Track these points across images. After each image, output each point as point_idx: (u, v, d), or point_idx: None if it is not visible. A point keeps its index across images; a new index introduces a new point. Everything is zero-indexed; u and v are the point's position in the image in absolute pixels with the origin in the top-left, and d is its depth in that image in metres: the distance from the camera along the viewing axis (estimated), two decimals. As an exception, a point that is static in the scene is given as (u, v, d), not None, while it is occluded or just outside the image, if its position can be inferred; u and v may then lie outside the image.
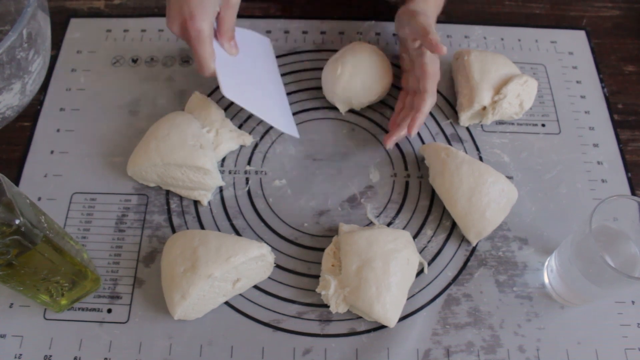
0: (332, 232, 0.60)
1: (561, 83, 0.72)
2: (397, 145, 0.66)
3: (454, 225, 0.61)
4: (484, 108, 0.66)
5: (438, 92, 0.69)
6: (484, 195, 0.57)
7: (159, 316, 0.55)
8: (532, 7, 0.79)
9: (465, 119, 0.67)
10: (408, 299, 0.56)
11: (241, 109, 0.68)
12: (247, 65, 0.64)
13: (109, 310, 0.55)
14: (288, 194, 0.63)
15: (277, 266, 0.58)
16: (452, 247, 0.60)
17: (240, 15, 0.75)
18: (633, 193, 0.64)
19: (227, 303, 0.56)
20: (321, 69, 0.70)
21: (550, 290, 0.57)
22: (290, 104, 0.69)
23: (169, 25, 0.57)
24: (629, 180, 0.65)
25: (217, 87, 0.70)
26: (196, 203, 0.62)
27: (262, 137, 0.66)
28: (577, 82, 0.72)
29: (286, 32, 0.75)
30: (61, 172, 0.63)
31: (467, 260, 0.59)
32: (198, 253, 0.52)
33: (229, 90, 0.57)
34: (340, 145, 0.66)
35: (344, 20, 0.76)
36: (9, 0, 0.62)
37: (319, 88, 0.69)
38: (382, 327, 0.55)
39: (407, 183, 0.64)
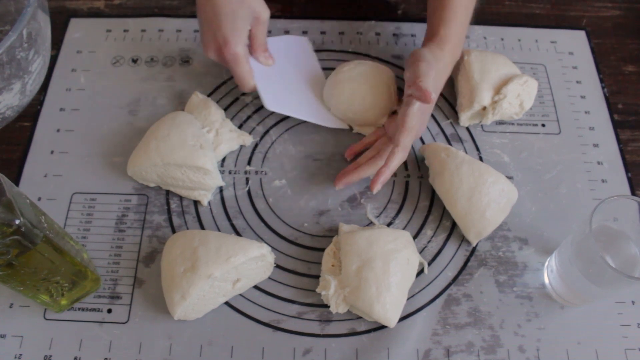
0: (332, 232, 0.60)
1: (561, 83, 0.72)
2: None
3: (454, 225, 0.61)
4: (484, 108, 0.66)
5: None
6: (484, 195, 0.57)
7: (159, 316, 0.55)
8: (532, 7, 0.79)
9: (465, 119, 0.67)
10: (408, 299, 0.56)
11: (241, 109, 0.68)
12: (285, 70, 0.66)
13: (109, 310, 0.55)
14: (288, 194, 0.63)
15: (277, 266, 0.58)
16: (452, 247, 0.60)
17: (240, 15, 0.75)
18: (633, 193, 0.64)
19: (227, 303, 0.56)
20: (322, 69, 0.70)
21: (550, 291, 0.57)
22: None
23: (205, 52, 0.61)
24: (629, 180, 0.65)
25: (217, 87, 0.70)
26: (196, 203, 0.62)
27: (262, 137, 0.66)
28: (577, 82, 0.72)
29: (286, 32, 0.75)
30: (61, 172, 0.63)
31: (467, 260, 0.59)
32: (198, 253, 0.52)
33: (271, 104, 0.61)
34: (340, 145, 0.66)
35: (344, 20, 0.76)
36: (9, 0, 0.62)
37: (319, 88, 0.69)
38: (382, 327, 0.55)
39: (407, 183, 0.64)
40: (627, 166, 0.65)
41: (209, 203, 0.62)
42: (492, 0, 0.79)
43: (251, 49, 0.63)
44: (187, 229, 0.60)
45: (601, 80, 0.72)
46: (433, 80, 0.57)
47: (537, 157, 0.66)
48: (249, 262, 0.53)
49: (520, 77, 0.64)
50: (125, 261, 0.58)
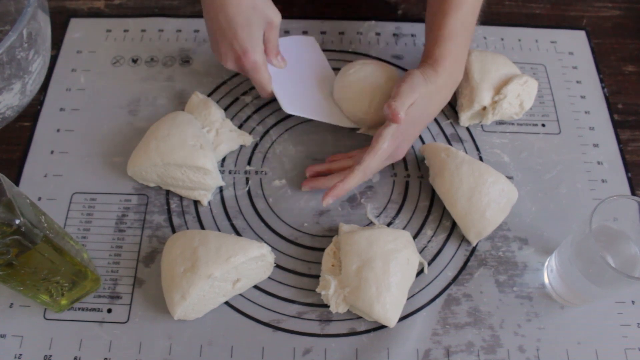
0: (332, 232, 0.60)
1: (561, 83, 0.72)
2: (397, 145, 0.66)
3: (454, 225, 0.61)
4: (484, 108, 0.66)
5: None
6: (484, 195, 0.57)
7: (159, 316, 0.55)
8: (532, 7, 0.79)
9: (465, 119, 0.67)
10: (408, 299, 0.56)
11: (241, 109, 0.68)
12: (297, 71, 0.66)
13: (109, 310, 0.55)
14: (288, 194, 0.63)
15: (277, 266, 0.58)
16: (452, 247, 0.60)
17: (240, 15, 0.75)
18: (633, 193, 0.64)
19: (227, 303, 0.56)
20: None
21: (550, 290, 0.57)
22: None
23: (223, 63, 0.60)
24: (629, 180, 0.65)
25: (217, 87, 0.70)
26: (196, 203, 0.62)
27: (262, 137, 0.66)
28: (577, 82, 0.72)
29: (286, 32, 0.75)
30: (61, 172, 0.63)
31: (467, 260, 0.59)
32: (198, 253, 0.52)
33: (288, 106, 0.62)
34: (340, 145, 0.66)
35: (344, 20, 0.76)
36: (9, 0, 0.62)
37: (319, 88, 0.69)
38: (382, 327, 0.55)
39: (407, 183, 0.64)
40: (627, 166, 0.65)
41: (209, 203, 0.62)
42: (492, 0, 0.79)
43: (265, 53, 0.62)
44: (187, 229, 0.60)
45: (601, 80, 0.72)
46: (417, 103, 0.55)
47: (537, 157, 0.66)
48: (249, 262, 0.53)
49: (520, 77, 0.64)
50: (125, 261, 0.58)
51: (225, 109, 0.68)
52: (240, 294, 0.57)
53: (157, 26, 0.75)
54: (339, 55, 0.73)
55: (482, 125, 0.68)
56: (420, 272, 0.58)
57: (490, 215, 0.57)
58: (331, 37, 0.75)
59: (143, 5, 0.78)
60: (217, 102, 0.67)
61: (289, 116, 0.66)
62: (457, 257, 0.59)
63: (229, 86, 0.70)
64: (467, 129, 0.68)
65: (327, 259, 0.56)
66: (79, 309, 0.55)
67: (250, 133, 0.66)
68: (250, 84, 0.68)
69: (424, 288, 0.57)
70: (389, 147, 0.56)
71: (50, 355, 0.53)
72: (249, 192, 0.63)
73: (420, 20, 0.76)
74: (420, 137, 0.67)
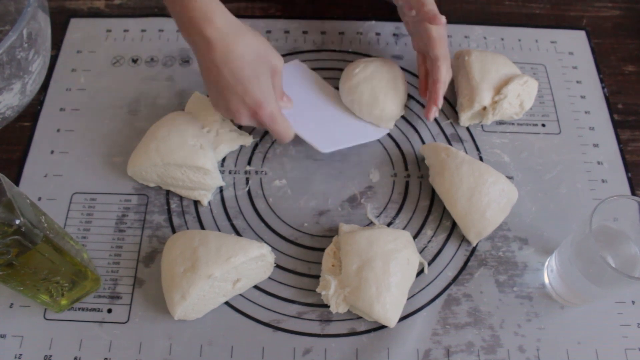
0: (332, 232, 0.60)
1: (561, 83, 0.72)
2: (397, 145, 0.66)
3: (454, 225, 0.61)
4: (484, 108, 0.66)
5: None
6: (484, 195, 0.57)
7: (159, 316, 0.55)
8: (532, 7, 0.79)
9: (465, 119, 0.67)
10: (408, 299, 0.56)
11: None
12: (304, 102, 0.65)
13: (109, 310, 0.55)
14: (288, 194, 0.63)
15: (277, 266, 0.58)
16: (452, 247, 0.60)
17: (240, 16, 0.75)
18: (633, 193, 0.64)
19: (227, 303, 0.56)
20: (321, 68, 0.70)
21: (550, 290, 0.57)
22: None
23: (237, 120, 0.57)
24: (629, 180, 0.65)
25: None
26: (196, 203, 0.62)
27: (262, 137, 0.66)
28: (577, 82, 0.72)
29: (286, 32, 0.75)
30: (61, 172, 0.63)
31: (467, 260, 0.59)
32: (198, 253, 0.52)
33: (324, 146, 0.61)
34: (340, 145, 0.66)
35: (344, 20, 0.76)
36: (9, 0, 0.62)
37: (319, 88, 0.69)
38: (382, 327, 0.55)
39: (407, 183, 0.64)
40: (627, 166, 0.65)
41: (209, 203, 0.62)
42: (492, 0, 0.79)
43: None
44: (187, 229, 0.60)
45: (601, 80, 0.72)
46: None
47: (537, 157, 0.66)
48: (249, 262, 0.53)
49: (520, 77, 0.64)
50: (125, 261, 0.58)
51: (225, 109, 0.68)
52: (240, 294, 0.57)
53: (157, 26, 0.75)
54: (339, 55, 0.73)
55: (482, 125, 0.68)
56: (420, 272, 0.58)
57: (490, 215, 0.57)
58: (331, 37, 0.75)
59: (143, 5, 0.78)
60: (217, 102, 0.67)
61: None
62: (457, 257, 0.59)
63: (229, 86, 0.70)
64: (467, 129, 0.68)
65: (327, 259, 0.56)
66: (79, 309, 0.55)
67: (250, 133, 0.66)
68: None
69: (424, 288, 0.57)
70: (442, 30, 0.60)
71: (50, 355, 0.53)
72: (249, 192, 0.63)
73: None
74: (420, 137, 0.67)
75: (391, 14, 0.77)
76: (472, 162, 0.59)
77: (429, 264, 0.59)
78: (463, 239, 0.60)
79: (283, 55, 0.72)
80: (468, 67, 0.66)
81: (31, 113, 0.67)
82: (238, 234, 0.60)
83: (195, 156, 0.58)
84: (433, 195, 0.63)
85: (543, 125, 0.68)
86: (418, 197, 0.63)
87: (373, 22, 0.76)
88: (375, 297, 0.52)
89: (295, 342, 0.54)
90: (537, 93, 0.66)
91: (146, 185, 0.62)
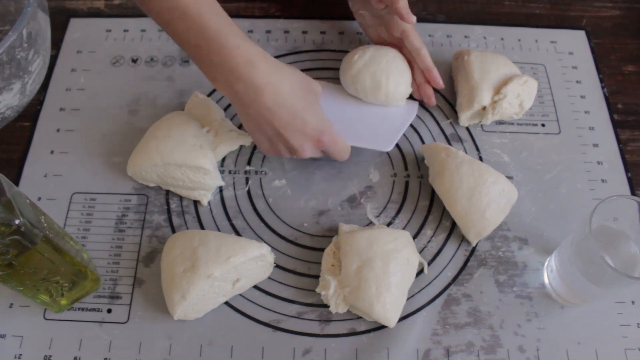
0: (332, 232, 0.60)
1: (561, 83, 0.72)
2: (397, 145, 0.66)
3: (454, 225, 0.61)
4: (484, 108, 0.66)
5: (438, 92, 0.69)
6: (484, 195, 0.57)
7: (159, 316, 0.55)
8: (532, 7, 0.79)
9: (465, 119, 0.67)
10: (408, 299, 0.56)
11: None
12: (336, 110, 0.64)
13: (109, 310, 0.55)
14: (288, 194, 0.63)
15: (277, 266, 0.58)
16: (452, 247, 0.60)
17: (240, 16, 0.75)
18: (633, 193, 0.64)
19: (227, 303, 0.56)
20: (321, 68, 0.70)
21: (550, 290, 0.57)
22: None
23: (300, 155, 0.56)
24: (629, 180, 0.65)
25: (217, 87, 0.70)
26: (196, 203, 0.62)
27: (262, 137, 0.66)
28: (577, 82, 0.72)
29: (286, 32, 0.75)
30: (61, 172, 0.63)
31: (467, 260, 0.59)
32: (198, 253, 0.52)
33: (384, 145, 0.62)
34: (340, 145, 0.66)
35: (344, 20, 0.76)
36: (9, 0, 0.62)
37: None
38: (382, 327, 0.55)
39: (407, 183, 0.64)
40: (627, 166, 0.65)
41: (209, 203, 0.62)
42: (492, 0, 0.79)
43: None
44: (187, 228, 0.60)
45: (601, 80, 0.72)
46: None
47: (537, 157, 0.66)
48: (248, 262, 0.53)
49: (520, 77, 0.64)
50: (125, 261, 0.58)
51: (225, 109, 0.67)
52: (240, 294, 0.57)
53: (157, 26, 0.75)
54: (339, 55, 0.73)
55: (482, 125, 0.68)
56: (420, 272, 0.58)
57: (490, 215, 0.57)
58: (331, 37, 0.75)
59: (143, 5, 0.77)
60: (217, 102, 0.67)
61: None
62: (457, 257, 0.59)
63: (229, 86, 0.70)
64: (467, 128, 0.68)
65: (327, 259, 0.56)
66: (79, 309, 0.55)
67: (250, 133, 0.66)
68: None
69: (424, 288, 0.57)
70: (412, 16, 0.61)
71: (50, 355, 0.53)
72: (248, 192, 0.63)
73: (419, 20, 0.76)
74: (420, 137, 0.67)
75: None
76: (472, 162, 0.59)
77: (429, 264, 0.59)
78: (463, 239, 0.60)
79: (283, 55, 0.73)
80: (468, 67, 0.66)
81: (31, 113, 0.67)
82: (238, 234, 0.60)
83: (195, 156, 0.58)
84: (433, 195, 0.63)
85: (543, 125, 0.68)
86: (418, 197, 0.63)
87: (373, 22, 0.76)
88: (375, 297, 0.52)
89: (295, 342, 0.54)
90: (536, 93, 0.66)
91: (146, 185, 0.62)
